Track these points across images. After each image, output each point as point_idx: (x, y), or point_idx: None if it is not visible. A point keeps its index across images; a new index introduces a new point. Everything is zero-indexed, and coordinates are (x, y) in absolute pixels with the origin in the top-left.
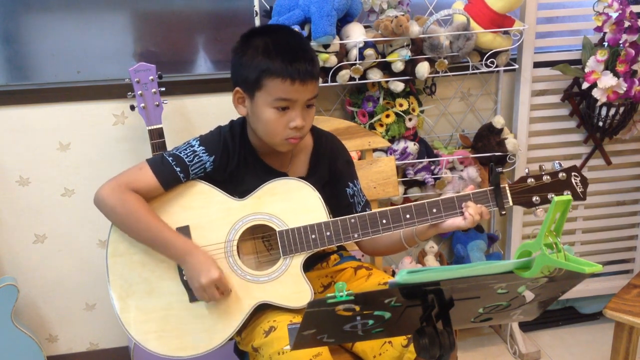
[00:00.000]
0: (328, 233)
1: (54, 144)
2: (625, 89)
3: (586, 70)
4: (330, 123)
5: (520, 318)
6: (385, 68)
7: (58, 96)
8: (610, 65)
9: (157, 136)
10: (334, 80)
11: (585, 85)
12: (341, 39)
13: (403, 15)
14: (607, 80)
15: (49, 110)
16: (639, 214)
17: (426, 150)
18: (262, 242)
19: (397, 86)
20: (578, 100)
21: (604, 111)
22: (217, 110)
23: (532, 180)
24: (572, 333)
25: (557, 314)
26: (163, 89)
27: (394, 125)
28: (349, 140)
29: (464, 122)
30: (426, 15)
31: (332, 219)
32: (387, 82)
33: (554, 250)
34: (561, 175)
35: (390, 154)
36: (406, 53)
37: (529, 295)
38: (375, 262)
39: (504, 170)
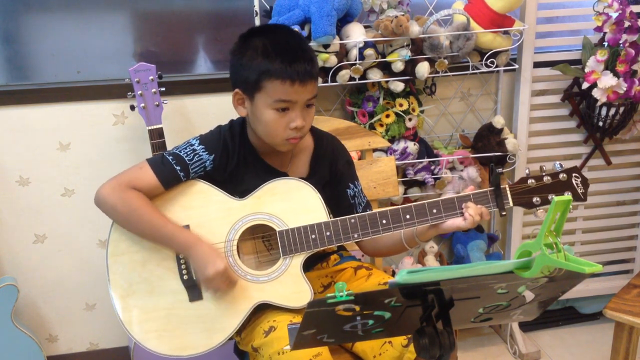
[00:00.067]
0: (328, 233)
1: (54, 144)
2: (625, 89)
3: (586, 70)
4: (330, 123)
5: (520, 318)
6: (385, 68)
7: (58, 96)
8: (610, 65)
9: (157, 136)
10: (334, 80)
11: (585, 85)
12: (341, 39)
13: (403, 15)
14: (607, 80)
15: (49, 110)
16: (639, 214)
17: (426, 150)
18: (262, 242)
19: (397, 86)
20: (578, 100)
21: (604, 111)
22: (217, 110)
23: (533, 181)
24: (572, 333)
25: (557, 314)
26: (163, 89)
27: (394, 125)
28: (349, 140)
29: (464, 122)
30: (426, 15)
31: (332, 219)
32: (387, 82)
33: (554, 250)
34: (562, 176)
35: (390, 154)
36: (406, 53)
37: (529, 295)
38: (375, 262)
39: (504, 171)
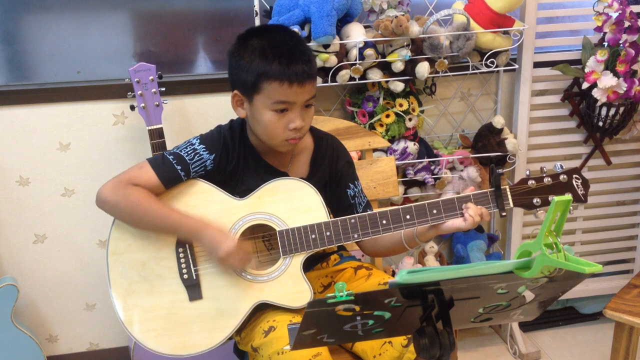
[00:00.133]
0: (328, 233)
1: (54, 144)
2: (625, 89)
3: (586, 70)
4: (330, 123)
5: (520, 318)
6: (385, 68)
7: (58, 96)
8: (610, 65)
9: (157, 136)
10: (334, 80)
11: (585, 85)
12: (341, 39)
13: (403, 15)
14: (607, 80)
15: (49, 110)
16: (639, 214)
17: (426, 150)
18: (262, 241)
19: (397, 86)
20: (578, 100)
21: (604, 111)
22: (217, 110)
23: (533, 182)
24: (572, 333)
25: (557, 314)
26: (163, 89)
27: (394, 125)
28: (349, 140)
29: (464, 122)
30: (426, 15)
31: (332, 219)
32: (387, 82)
33: (554, 250)
34: (562, 177)
35: (390, 154)
36: (406, 53)
37: (529, 295)
38: (375, 262)
39: (504, 170)
